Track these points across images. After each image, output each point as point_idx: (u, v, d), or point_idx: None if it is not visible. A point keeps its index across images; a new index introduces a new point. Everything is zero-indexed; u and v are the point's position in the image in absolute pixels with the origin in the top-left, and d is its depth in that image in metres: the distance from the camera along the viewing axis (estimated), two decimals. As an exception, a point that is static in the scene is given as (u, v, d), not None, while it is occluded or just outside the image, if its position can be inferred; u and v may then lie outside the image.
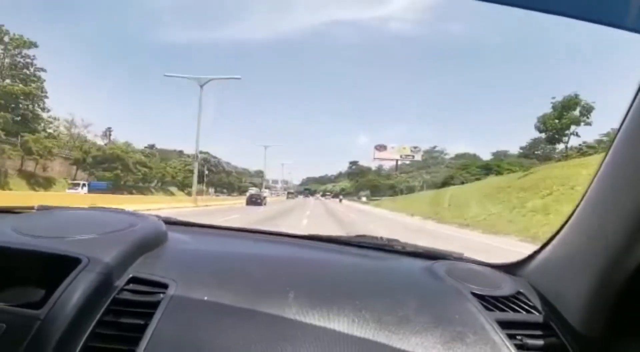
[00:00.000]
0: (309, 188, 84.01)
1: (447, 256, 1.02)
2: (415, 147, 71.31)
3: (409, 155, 70.80)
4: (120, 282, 0.70)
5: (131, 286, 0.71)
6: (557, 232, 0.82)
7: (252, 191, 38.05)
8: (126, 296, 0.69)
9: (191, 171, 36.22)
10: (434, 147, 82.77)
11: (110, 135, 48.44)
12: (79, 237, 0.77)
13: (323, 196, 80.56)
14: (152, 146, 55.52)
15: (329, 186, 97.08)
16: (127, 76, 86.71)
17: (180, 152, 61.30)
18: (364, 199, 59.99)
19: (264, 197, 32.35)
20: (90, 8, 70.86)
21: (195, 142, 29.72)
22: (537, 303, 0.77)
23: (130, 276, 0.72)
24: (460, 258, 1.02)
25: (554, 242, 0.82)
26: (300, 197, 70.47)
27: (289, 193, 71.83)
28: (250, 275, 0.76)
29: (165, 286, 0.70)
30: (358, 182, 77.70)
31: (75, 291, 0.64)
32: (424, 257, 1.02)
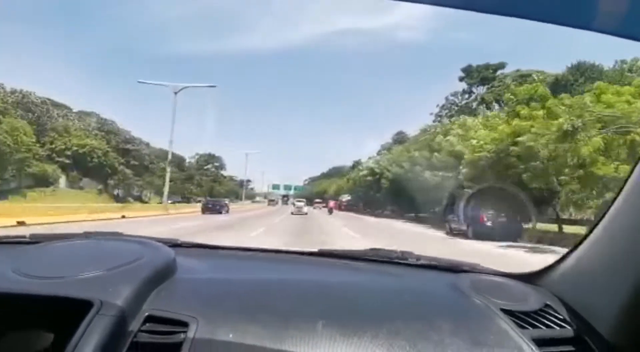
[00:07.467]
0: (286, 194, 67.89)
1: (465, 268, 1.00)
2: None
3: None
4: (136, 324, 0.66)
5: (148, 326, 0.66)
6: (583, 240, 0.79)
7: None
8: (144, 338, 0.65)
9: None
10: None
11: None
12: (84, 276, 0.71)
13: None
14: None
15: (342, 182, 53.49)
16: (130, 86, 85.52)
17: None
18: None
19: (225, 204, 29.80)
20: (97, 17, 69.16)
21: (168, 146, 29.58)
22: (567, 316, 0.76)
23: (146, 314, 0.68)
24: (478, 270, 1.00)
25: (579, 249, 0.80)
26: (280, 203, 62.21)
27: (269, 200, 64.63)
28: (273, 306, 0.73)
29: (184, 324, 0.66)
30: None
31: (91, 337, 0.59)
32: (441, 270, 1.02)
